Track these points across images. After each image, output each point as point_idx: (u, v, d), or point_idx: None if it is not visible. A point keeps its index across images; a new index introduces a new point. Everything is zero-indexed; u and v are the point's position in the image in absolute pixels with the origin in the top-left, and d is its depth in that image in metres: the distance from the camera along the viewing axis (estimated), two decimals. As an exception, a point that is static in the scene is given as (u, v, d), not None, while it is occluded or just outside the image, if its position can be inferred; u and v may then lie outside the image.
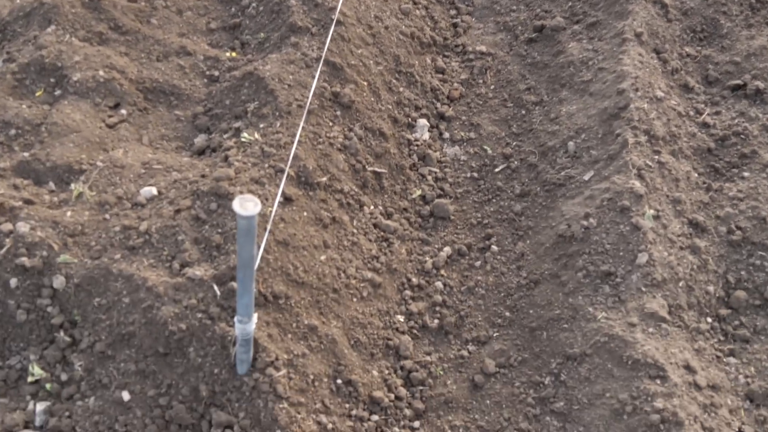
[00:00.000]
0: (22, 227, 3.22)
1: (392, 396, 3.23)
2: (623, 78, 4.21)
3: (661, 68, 4.52)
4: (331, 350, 3.18)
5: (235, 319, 2.70)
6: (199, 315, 2.99)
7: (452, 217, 4.03)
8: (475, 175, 4.23)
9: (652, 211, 3.58)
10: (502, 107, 4.56)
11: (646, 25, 4.60)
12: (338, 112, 4.00)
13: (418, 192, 4.10)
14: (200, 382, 2.93)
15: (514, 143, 4.34)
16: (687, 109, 4.37)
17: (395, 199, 4.02)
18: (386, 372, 3.31)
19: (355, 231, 3.68)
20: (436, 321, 3.56)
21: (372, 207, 3.87)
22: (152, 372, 2.97)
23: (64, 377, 3.04)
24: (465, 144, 4.39)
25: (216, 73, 4.31)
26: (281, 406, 2.89)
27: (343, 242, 3.59)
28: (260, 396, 2.89)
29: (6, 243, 3.16)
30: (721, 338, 3.40)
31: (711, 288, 3.52)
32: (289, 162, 3.52)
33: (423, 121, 4.40)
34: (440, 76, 4.73)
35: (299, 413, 2.92)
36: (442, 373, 3.38)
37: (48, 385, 3.02)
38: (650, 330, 3.18)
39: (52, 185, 3.57)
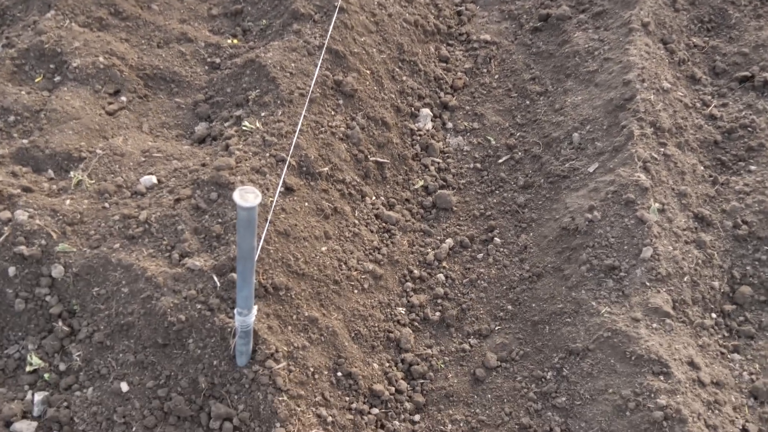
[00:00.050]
0: (21, 215, 3.19)
1: (393, 389, 3.21)
2: (629, 69, 4.16)
3: (668, 59, 4.46)
4: (331, 342, 3.16)
5: (235, 311, 2.67)
6: (199, 306, 2.96)
7: (455, 209, 3.99)
8: (479, 165, 4.18)
9: (657, 205, 3.54)
10: (506, 97, 4.51)
11: (653, 14, 4.54)
12: (340, 101, 3.95)
13: (421, 183, 4.06)
14: (199, 374, 2.91)
15: (518, 134, 4.29)
16: (694, 100, 4.32)
17: (397, 190, 3.98)
18: (387, 365, 3.29)
19: (356, 222, 3.64)
20: (438, 313, 3.53)
21: (374, 197, 3.83)
22: (151, 363, 2.95)
23: (62, 367, 3.02)
24: (468, 134, 4.34)
25: (217, 61, 4.26)
26: (281, 398, 2.86)
27: (345, 233, 3.55)
28: (260, 388, 2.87)
29: (4, 231, 3.13)
30: (726, 334, 3.37)
31: (716, 283, 3.48)
32: (291, 151, 3.48)
33: (426, 111, 4.35)
34: (444, 65, 4.68)
35: (299, 406, 2.89)
36: (443, 366, 3.36)
37: (46, 375, 2.99)
38: (654, 325, 3.15)
39: (51, 173, 3.53)
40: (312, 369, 3.03)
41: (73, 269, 3.12)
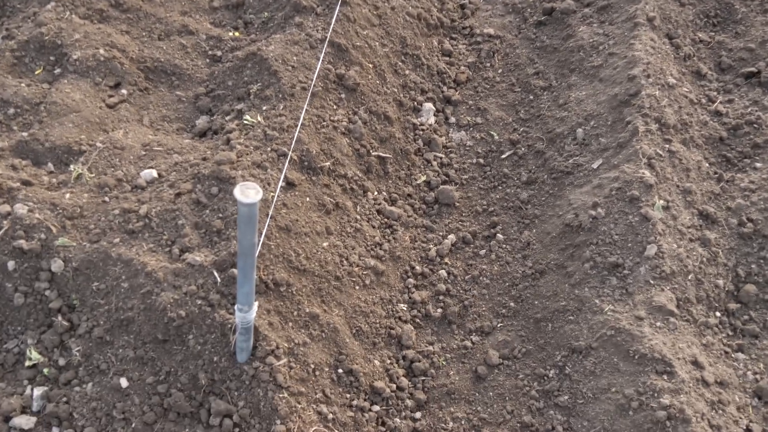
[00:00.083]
0: (20, 209, 3.16)
1: (394, 386, 3.19)
2: (634, 64, 4.12)
3: (674, 54, 4.42)
4: (332, 339, 3.13)
5: (236, 307, 2.65)
6: (199, 302, 2.94)
7: (457, 204, 3.96)
8: (481, 161, 4.15)
9: (661, 202, 3.51)
10: (509, 92, 4.47)
11: (658, 9, 4.50)
12: (343, 95, 3.92)
13: (423, 178, 4.03)
14: (199, 370, 2.89)
15: (522, 129, 4.26)
16: (699, 96, 4.28)
17: (399, 185, 3.95)
18: (388, 362, 3.27)
19: (358, 217, 3.62)
20: (440, 310, 3.50)
21: (376, 193, 3.80)
22: (151, 359, 2.92)
23: (61, 362, 3.00)
24: (471, 129, 4.31)
25: (218, 53, 4.23)
26: (281, 395, 2.84)
27: (346, 229, 3.52)
28: (260, 385, 2.85)
29: (4, 225, 3.11)
30: (730, 333, 3.35)
31: (720, 281, 3.46)
32: (292, 146, 3.45)
33: (429, 105, 4.32)
34: (447, 58, 4.64)
35: (299, 403, 2.87)
36: (444, 363, 3.34)
37: (46, 370, 2.97)
38: (658, 324, 3.12)
39: (51, 166, 3.50)
40: (313, 366, 3.01)
41: (73, 264, 3.10)
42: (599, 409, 2.97)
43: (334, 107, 3.85)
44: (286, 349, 2.96)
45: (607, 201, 3.56)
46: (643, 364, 2.99)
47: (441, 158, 4.15)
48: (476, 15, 4.92)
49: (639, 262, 3.33)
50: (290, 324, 3.06)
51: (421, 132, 4.19)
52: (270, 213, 3.15)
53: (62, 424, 2.85)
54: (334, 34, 4.02)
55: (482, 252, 3.74)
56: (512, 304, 3.50)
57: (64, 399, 2.89)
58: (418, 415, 3.16)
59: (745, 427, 2.94)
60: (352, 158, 3.77)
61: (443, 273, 3.64)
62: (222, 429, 2.81)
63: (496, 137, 4.24)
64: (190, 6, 4.46)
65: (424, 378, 3.27)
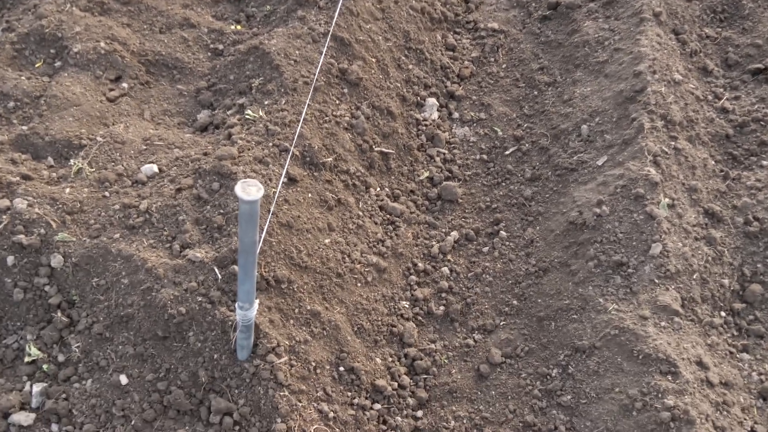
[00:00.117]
0: (20, 203, 3.14)
1: (395, 384, 3.16)
2: (640, 60, 4.08)
3: (680, 50, 4.37)
4: (333, 337, 3.11)
5: (236, 305, 2.62)
6: (200, 298, 2.91)
7: (460, 201, 3.93)
8: (485, 157, 4.11)
9: (667, 200, 3.47)
10: (513, 87, 4.43)
11: (665, 4, 4.45)
12: (345, 90, 3.88)
13: (426, 174, 4.00)
14: (200, 368, 2.87)
15: (526, 125, 4.22)
16: (705, 93, 4.24)
17: (402, 181, 3.92)
18: (390, 360, 3.24)
19: (360, 213, 3.59)
20: (442, 308, 3.48)
21: (378, 189, 3.77)
22: (151, 356, 2.90)
23: (61, 358, 2.98)
24: (475, 125, 4.27)
25: (220, 47, 4.19)
26: (282, 393, 2.82)
27: (348, 225, 3.49)
28: (261, 383, 2.82)
29: (3, 220, 3.08)
30: (735, 333, 3.32)
31: (726, 281, 3.42)
32: (294, 141, 3.42)
33: (432, 100, 4.28)
34: (450, 53, 4.60)
35: (300, 401, 2.85)
36: (446, 361, 3.31)
37: (45, 366, 2.95)
38: (662, 324, 3.09)
39: (50, 160, 3.48)
40: (314, 364, 2.98)
41: (73, 259, 3.07)
42: (602, 409, 2.94)
43: (337, 102, 3.81)
44: (287, 347, 2.94)
45: (612, 199, 3.53)
46: (647, 364, 2.96)
47: (444, 154, 4.11)
48: (480, 9, 4.87)
49: (644, 261, 3.29)
50: (291, 321, 3.03)
51: (424, 127, 4.15)
52: (271, 209, 3.12)
53: (61, 420, 2.83)
54: (337, 28, 3.98)
55: (485, 249, 3.71)
56: (515, 302, 3.47)
57: (64, 395, 2.87)
58: (419, 413, 3.14)
59: (749, 429, 2.92)
60: (355, 154, 3.74)
61: (446, 270, 3.61)
62: (222, 427, 2.79)
63: (500, 133, 4.21)
64: (192, -1, 4.42)
65: (425, 376, 3.25)
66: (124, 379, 2.86)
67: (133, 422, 2.80)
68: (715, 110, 4.16)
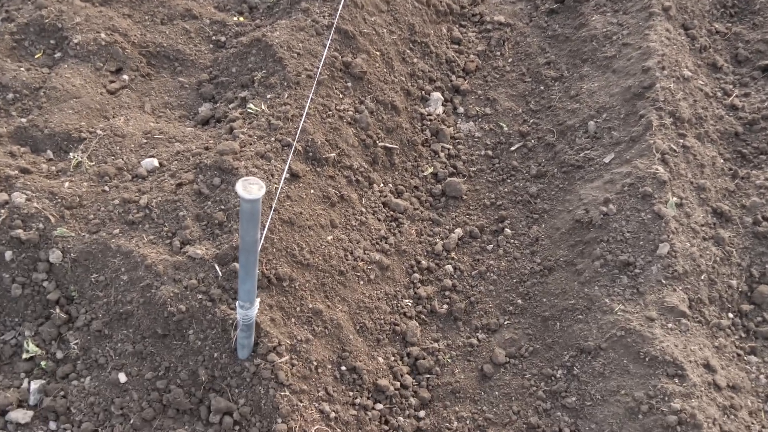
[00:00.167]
0: (18, 198, 3.09)
1: (398, 384, 3.12)
2: (649, 55, 4.01)
3: (689, 45, 4.31)
4: (335, 335, 3.07)
5: (237, 304, 2.58)
6: (200, 296, 2.87)
7: (464, 197, 3.87)
8: (490, 153, 4.06)
9: (675, 199, 3.42)
10: (519, 82, 4.37)
11: (674, -2, 4.38)
12: (349, 84, 3.82)
13: (430, 169, 3.94)
14: (199, 366, 2.83)
15: (532, 121, 4.16)
16: (714, 89, 4.18)
17: (406, 177, 3.86)
18: (392, 359, 3.20)
19: (363, 210, 3.54)
20: (445, 306, 3.43)
21: (382, 184, 3.72)
22: (150, 354, 2.86)
23: (59, 355, 2.94)
24: (480, 120, 4.21)
25: (222, 39, 4.13)
26: (283, 393, 2.78)
27: (351, 222, 3.45)
28: (261, 383, 2.78)
29: (1, 214, 3.03)
30: (743, 335, 3.27)
31: (734, 282, 3.37)
32: (297, 136, 3.37)
33: (437, 95, 4.22)
34: (456, 47, 4.53)
35: (301, 401, 2.81)
36: (449, 361, 3.27)
37: (43, 363, 2.91)
38: (669, 325, 3.05)
39: (50, 153, 3.43)
40: (315, 363, 2.94)
41: (72, 254, 3.03)
42: (608, 411, 2.90)
43: (340, 96, 3.76)
44: (288, 346, 2.89)
45: (619, 197, 3.47)
46: (654, 366, 2.92)
47: (449, 149, 4.06)
48: (486, 2, 4.80)
49: (651, 261, 3.24)
50: (293, 320, 2.99)
51: (428, 122, 4.09)
52: (273, 206, 3.07)
53: (59, 418, 2.79)
54: (341, 21, 3.92)
55: (489, 247, 3.66)
56: (520, 301, 3.43)
57: (62, 393, 2.84)
58: (422, 413, 3.10)
59: (757, 434, 2.88)
60: (358, 149, 3.69)
61: (449, 268, 3.56)
62: (222, 427, 2.75)
63: (506, 128, 4.15)
64: (194, -11, 4.36)
65: (428, 376, 3.21)
66: (123, 377, 2.82)
67: (132, 421, 2.76)
68: (725, 107, 4.10)
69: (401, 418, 3.04)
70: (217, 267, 2.93)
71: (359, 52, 3.92)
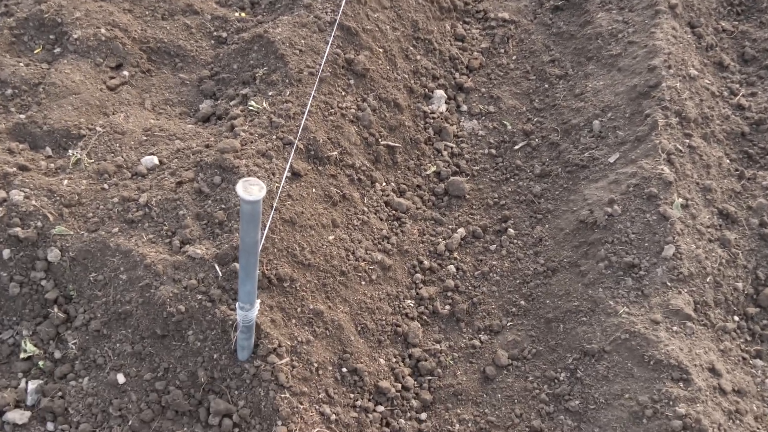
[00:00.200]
0: (16, 195, 3.05)
1: (399, 386, 3.09)
2: (655, 53, 3.97)
3: (695, 44, 4.26)
4: (336, 337, 3.03)
5: (237, 305, 2.55)
6: (200, 296, 2.83)
7: (467, 197, 3.83)
8: (493, 151, 4.02)
9: (680, 200, 3.38)
10: (524, 80, 4.32)
11: (681, -4, 4.33)
12: (351, 81, 3.78)
13: (433, 168, 3.90)
14: (199, 367, 2.79)
15: (536, 119, 4.12)
16: (721, 89, 4.13)
17: (408, 176, 3.82)
18: (394, 360, 3.17)
19: (365, 209, 3.50)
20: (448, 307, 3.40)
21: (384, 183, 3.68)
22: (149, 354, 2.83)
23: (57, 355, 2.90)
24: (483, 118, 4.17)
25: (224, 35, 4.09)
26: (283, 395, 2.75)
27: (353, 221, 3.41)
28: (261, 384, 2.75)
29: (-2, 211, 3.00)
30: (748, 338, 3.23)
31: (740, 284, 3.34)
32: (299, 134, 3.33)
33: (440, 93, 4.18)
34: (459, 44, 4.49)
35: (302, 403, 2.78)
36: (452, 362, 3.23)
37: (41, 363, 2.88)
38: (674, 328, 3.01)
39: (48, 150, 3.39)
40: (316, 364, 2.91)
41: (70, 253, 2.99)
42: (611, 415, 2.87)
43: (343, 94, 3.72)
44: (289, 348, 2.86)
45: (624, 198, 3.43)
46: (659, 370, 2.88)
47: (452, 148, 4.02)
48: (491, -2, 4.75)
49: (656, 263, 3.21)
50: (293, 321, 2.95)
51: (431, 120, 4.05)
52: (274, 205, 3.03)
53: (57, 419, 2.76)
54: (344, 17, 3.87)
55: (492, 247, 3.63)
56: (523, 302, 3.39)
57: (60, 393, 2.80)
58: (423, 416, 3.07)
59: (763, 440, 2.85)
60: (360, 147, 3.65)
61: (452, 268, 3.52)
62: (221, 429, 2.72)
63: (509, 127, 4.11)
64: (196, -16, 4.31)
65: (430, 378, 3.18)
66: (121, 378, 2.79)
67: (130, 422, 2.73)
68: (731, 107, 4.06)
69: (402, 421, 3.01)
70: (217, 267, 2.89)
71: (362, 49, 3.88)
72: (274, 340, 2.83)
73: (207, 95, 3.82)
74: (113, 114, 3.58)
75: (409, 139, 3.89)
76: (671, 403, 2.79)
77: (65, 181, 3.20)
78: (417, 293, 3.41)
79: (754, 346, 3.21)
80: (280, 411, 2.72)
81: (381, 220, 3.54)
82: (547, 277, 3.43)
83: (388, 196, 3.64)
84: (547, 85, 4.26)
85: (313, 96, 3.52)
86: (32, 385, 2.82)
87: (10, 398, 2.77)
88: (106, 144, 3.40)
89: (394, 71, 4.00)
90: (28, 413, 2.76)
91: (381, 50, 3.97)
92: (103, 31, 3.81)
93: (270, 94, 3.57)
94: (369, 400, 3.00)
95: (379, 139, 3.73)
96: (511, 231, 3.65)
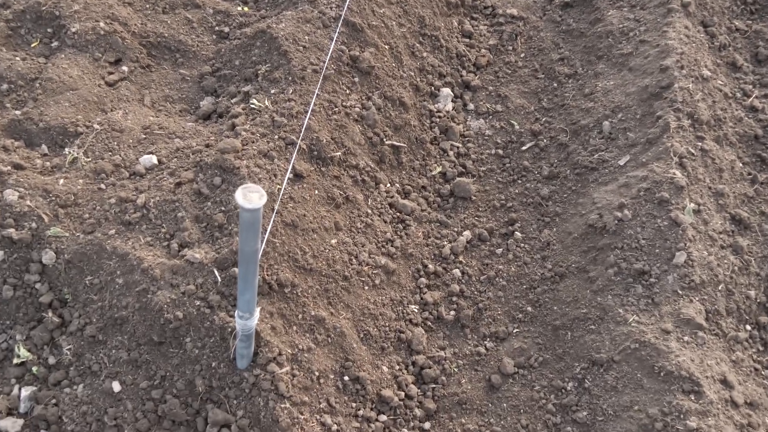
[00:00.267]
0: (10, 195, 2.97)
1: (402, 394, 3.01)
2: (667, 53, 3.87)
3: (708, 43, 4.15)
4: (338, 344, 2.95)
5: (236, 314, 2.46)
6: (198, 302, 2.75)
7: (474, 198, 3.75)
8: (500, 152, 3.92)
9: (692, 205, 3.29)
10: (532, 78, 4.23)
11: (694, -7, 4.22)
12: (356, 79, 3.68)
13: (439, 169, 3.81)
14: (197, 376, 2.72)
15: (544, 119, 4.02)
16: (734, 90, 4.03)
17: (413, 176, 3.73)
18: (397, 368, 3.09)
19: (369, 211, 3.41)
20: (452, 313, 3.31)
21: (388, 184, 3.59)
22: (145, 362, 2.75)
23: (51, 360, 2.83)
24: (491, 117, 4.08)
25: (226, 29, 3.99)
26: (283, 405, 2.67)
27: (356, 224, 3.32)
28: (261, 394, 2.67)
29: (-8, 212, 2.92)
30: (761, 348, 3.15)
31: (752, 292, 3.25)
32: (302, 134, 3.24)
33: (446, 91, 4.08)
34: (467, 40, 4.39)
35: (302, 414, 2.70)
36: (456, 370, 3.15)
37: (34, 369, 2.81)
38: (686, 338, 2.93)
39: (44, 148, 3.30)
40: (317, 373, 2.83)
41: (65, 256, 2.91)
42: (620, 428, 2.79)
43: (347, 92, 3.62)
44: (290, 356, 2.78)
45: (635, 202, 3.34)
46: (669, 382, 2.80)
47: (458, 148, 3.92)
48: (499, -6, 4.65)
49: (667, 270, 3.12)
50: (294, 328, 2.87)
51: (437, 119, 3.96)
52: (276, 208, 2.95)
53: (50, 427, 2.69)
54: (349, 12, 3.77)
55: (499, 251, 3.54)
56: (529, 308, 3.31)
57: (53, 401, 2.73)
58: (427, 425, 2.99)
59: (777, 457, 2.77)
60: (365, 147, 3.56)
61: (457, 272, 3.44)
62: (219, 439, 2.65)
63: (517, 127, 4.01)
64: (197, -23, 4.21)
65: (434, 386, 3.10)
66: (116, 386, 2.72)
67: None
68: (744, 109, 3.96)
69: (405, 430, 2.94)
70: (216, 272, 2.81)
71: (367, 46, 3.78)
72: (275, 348, 2.75)
73: (208, 92, 3.73)
74: (111, 111, 3.50)
75: (414, 139, 3.80)
76: (682, 416, 2.71)
77: (61, 181, 3.12)
78: (421, 298, 3.33)
79: (766, 357, 3.13)
80: (279, 422, 2.64)
81: (385, 222, 3.45)
82: (554, 282, 3.34)
83: (392, 197, 3.55)
84: (555, 84, 4.16)
85: (317, 94, 3.43)
86: (25, 391, 2.75)
87: (2, 405, 2.70)
88: (103, 142, 3.32)
89: (400, 69, 3.91)
90: (20, 421, 2.69)
91: (387, 47, 3.87)
92: (102, 24, 3.71)
93: (272, 91, 3.48)
94: (371, 409, 2.92)
95: (384, 139, 3.64)
96: (518, 234, 3.57)
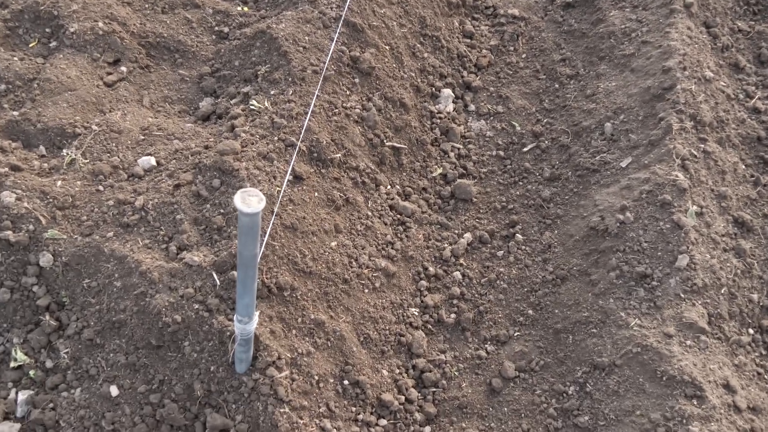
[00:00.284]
0: (8, 197, 2.95)
1: (402, 398, 2.99)
2: (670, 54, 3.84)
3: (711, 44, 4.13)
4: (338, 348, 2.93)
5: (235, 318, 2.44)
6: (196, 306, 2.73)
7: (474, 200, 3.72)
8: (502, 153, 3.90)
9: (695, 208, 3.27)
10: (533, 79, 4.20)
11: (696, -6, 4.20)
12: (356, 80, 3.66)
13: (439, 170, 3.79)
14: (195, 380, 2.69)
15: (546, 120, 4.00)
16: (736, 91, 4.00)
17: (414, 178, 3.71)
18: (397, 372, 3.06)
19: (369, 213, 3.39)
20: (453, 316, 3.29)
21: (389, 186, 3.56)
22: (143, 366, 2.73)
23: (49, 364, 2.81)
24: (492, 118, 4.05)
25: (225, 30, 3.96)
26: (282, 410, 2.65)
27: (357, 226, 3.30)
28: (260, 398, 2.65)
29: (-11, 214, 2.90)
30: (763, 352, 3.13)
31: (755, 296, 3.23)
32: (302, 135, 3.22)
33: (447, 92, 4.05)
34: (468, 41, 4.36)
35: (302, 418, 2.68)
36: (457, 374, 3.13)
37: (32, 372, 2.79)
38: (688, 342, 2.90)
39: (42, 149, 3.28)
40: (317, 377, 2.81)
41: (63, 258, 2.89)
42: (622, 433, 2.77)
43: (347, 93, 3.60)
44: (289, 360, 2.76)
45: (637, 204, 3.32)
46: (672, 386, 2.78)
47: (459, 149, 3.90)
48: (500, -6, 4.62)
49: (669, 273, 3.10)
50: (294, 332, 2.85)
51: (438, 120, 3.93)
52: (275, 210, 2.92)
53: (48, 432, 2.67)
54: (350, 13, 3.75)
55: (500, 253, 3.51)
56: (531, 311, 3.29)
57: (51, 405, 2.71)
58: (427, 429, 2.97)
59: (781, 463, 2.75)
60: (365, 149, 3.53)
61: (458, 275, 3.41)
62: (218, 444, 2.63)
63: (518, 128, 3.99)
64: (196, -23, 4.18)
65: (434, 390, 3.07)
66: (114, 390, 2.69)
67: (123, 436, 2.64)
68: (747, 110, 3.93)
69: (405, 435, 2.91)
70: (214, 275, 2.78)
71: (368, 47, 3.75)
72: (274, 352, 2.73)
73: (207, 93, 3.70)
74: (110, 112, 3.47)
75: (415, 140, 3.78)
76: (684, 421, 2.69)
77: (59, 182, 3.10)
78: (422, 301, 3.30)
79: (769, 362, 3.11)
80: (279, 426, 2.62)
81: (385, 224, 3.43)
82: (555, 285, 3.32)
83: (392, 199, 3.53)
84: (557, 85, 4.14)
85: (317, 95, 3.40)
86: (22, 395, 2.73)
87: (-1, 409, 2.68)
88: (102, 143, 3.29)
89: (401, 69, 3.88)
90: (17, 425, 2.67)
91: (387, 47, 3.84)
92: (100, 24, 3.69)
93: (272, 92, 3.46)
94: (371, 413, 2.90)
95: (385, 140, 3.62)
96: (519, 237, 3.54)
